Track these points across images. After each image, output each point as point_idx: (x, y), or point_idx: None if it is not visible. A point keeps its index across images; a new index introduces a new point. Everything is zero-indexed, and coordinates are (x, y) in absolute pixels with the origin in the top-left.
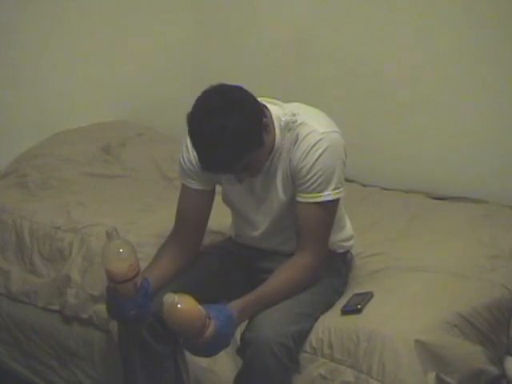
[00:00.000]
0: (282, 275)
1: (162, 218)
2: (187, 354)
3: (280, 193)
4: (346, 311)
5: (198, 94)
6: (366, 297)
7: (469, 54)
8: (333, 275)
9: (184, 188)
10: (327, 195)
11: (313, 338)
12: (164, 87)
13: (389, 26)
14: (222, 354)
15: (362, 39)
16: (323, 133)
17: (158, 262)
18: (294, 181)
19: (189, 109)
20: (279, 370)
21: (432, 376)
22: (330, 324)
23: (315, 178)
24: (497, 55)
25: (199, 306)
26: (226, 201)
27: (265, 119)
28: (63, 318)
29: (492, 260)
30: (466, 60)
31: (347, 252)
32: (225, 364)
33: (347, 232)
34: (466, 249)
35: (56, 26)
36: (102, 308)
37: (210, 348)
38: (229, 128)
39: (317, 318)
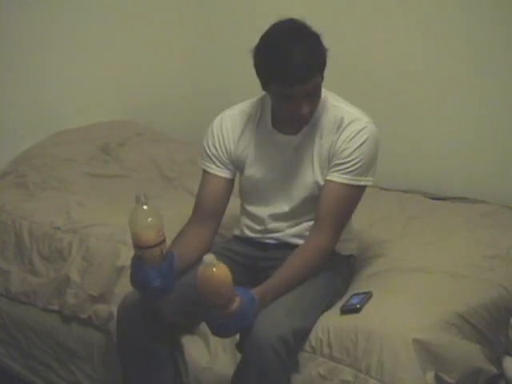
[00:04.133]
0: (297, 259)
1: (163, 218)
2: (186, 355)
3: (316, 172)
4: (344, 311)
5: (197, 93)
6: (365, 296)
7: (469, 54)
8: (336, 276)
9: (205, 174)
10: (362, 180)
11: (312, 337)
12: (163, 87)
13: (389, 24)
14: (222, 353)
15: (362, 39)
16: (367, 122)
17: (179, 242)
18: (331, 162)
19: (188, 108)
20: (277, 365)
21: (431, 375)
22: (329, 323)
23: (356, 161)
24: (498, 55)
25: (231, 278)
26: (246, 184)
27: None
28: (62, 318)
29: (490, 260)
30: (467, 61)
31: (351, 256)
32: (224, 363)
33: (352, 234)
34: (464, 249)
35: (55, 26)
36: (101, 308)
37: (231, 325)
38: (315, 34)
39: (318, 317)
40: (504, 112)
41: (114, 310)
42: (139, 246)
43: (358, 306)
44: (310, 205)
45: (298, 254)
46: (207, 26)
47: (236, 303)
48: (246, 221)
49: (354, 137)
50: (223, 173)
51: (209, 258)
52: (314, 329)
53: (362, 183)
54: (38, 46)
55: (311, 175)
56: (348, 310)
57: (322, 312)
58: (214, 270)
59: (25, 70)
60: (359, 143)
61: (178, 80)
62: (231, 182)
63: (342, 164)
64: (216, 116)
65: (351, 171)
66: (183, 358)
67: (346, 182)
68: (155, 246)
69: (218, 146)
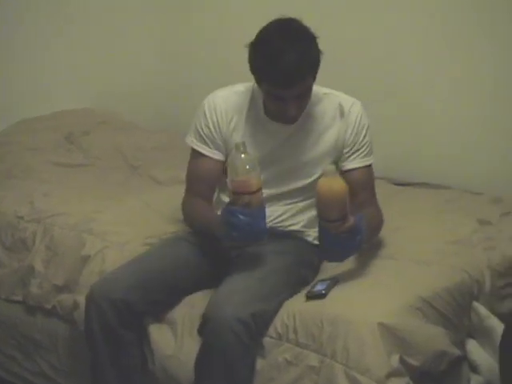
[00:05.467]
0: (369, 218)
1: (128, 207)
2: (152, 342)
3: (312, 162)
4: (310, 296)
5: (162, 81)
6: (331, 283)
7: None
8: (302, 265)
9: (197, 155)
10: (372, 158)
11: (278, 323)
12: (128, 74)
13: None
14: (188, 340)
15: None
16: (358, 102)
17: (202, 209)
18: (345, 149)
19: (153, 96)
20: (238, 348)
21: (395, 358)
22: (295, 309)
23: (368, 141)
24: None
25: None
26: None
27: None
28: (26, 309)
29: (453, 245)
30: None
31: None
32: (190, 350)
33: None
34: (428, 235)
35: (18, 15)
36: (65, 298)
37: (350, 241)
38: (311, 36)
39: (281, 303)
40: (464, 98)
41: (79, 299)
42: (248, 192)
43: (323, 291)
44: (295, 193)
45: (368, 213)
46: (175, 15)
47: (352, 219)
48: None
49: (360, 120)
50: (217, 155)
51: (331, 167)
52: (279, 315)
53: (373, 160)
54: (1, 34)
55: (303, 165)
56: (313, 296)
57: (287, 298)
58: (336, 180)
59: None
60: (366, 125)
61: (142, 67)
62: (224, 163)
63: (360, 149)
64: (185, 103)
65: (368, 152)
66: (149, 346)
67: (368, 163)
68: (260, 189)
69: (211, 127)
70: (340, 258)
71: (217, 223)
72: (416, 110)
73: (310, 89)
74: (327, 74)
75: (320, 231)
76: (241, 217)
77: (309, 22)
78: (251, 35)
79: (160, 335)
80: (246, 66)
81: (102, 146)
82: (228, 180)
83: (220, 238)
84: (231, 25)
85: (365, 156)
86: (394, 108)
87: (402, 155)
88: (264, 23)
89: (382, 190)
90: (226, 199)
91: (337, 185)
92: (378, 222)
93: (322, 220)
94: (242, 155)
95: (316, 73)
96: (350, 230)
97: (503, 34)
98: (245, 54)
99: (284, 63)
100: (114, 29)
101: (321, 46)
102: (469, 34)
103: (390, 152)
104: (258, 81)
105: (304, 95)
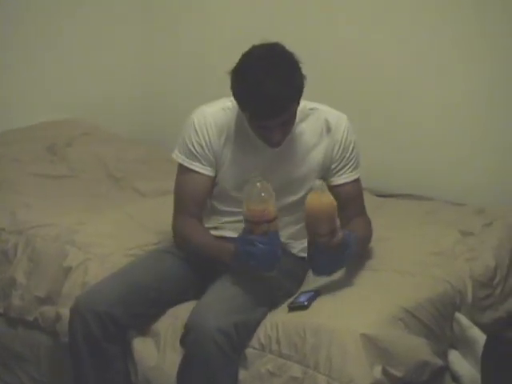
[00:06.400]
0: (359, 230)
1: (110, 218)
2: (136, 354)
3: (300, 177)
4: (292, 308)
5: (145, 93)
6: (313, 294)
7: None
8: (286, 276)
9: (188, 171)
10: (359, 171)
11: (261, 334)
12: (110, 86)
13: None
14: (170, 351)
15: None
16: (344, 116)
17: (201, 232)
18: (332, 164)
19: (136, 107)
20: (220, 359)
21: (378, 369)
22: (278, 320)
23: (355, 156)
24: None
25: None
26: (221, 184)
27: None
28: (8, 321)
29: (435, 256)
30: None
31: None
32: (173, 362)
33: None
34: (410, 246)
35: (2, 24)
36: (48, 309)
37: (338, 255)
38: (294, 63)
39: (264, 314)
40: (451, 112)
41: (62, 311)
42: (267, 220)
43: (305, 303)
44: (283, 208)
45: (357, 228)
46: (156, 26)
47: (340, 233)
48: (223, 219)
49: (347, 136)
50: (209, 171)
51: (320, 182)
52: (262, 325)
53: (360, 172)
54: None
55: (291, 181)
56: (295, 308)
57: (270, 309)
58: (325, 195)
59: None
60: (353, 140)
61: (125, 79)
62: (214, 178)
63: (347, 164)
64: (167, 115)
65: (356, 166)
66: (133, 358)
67: (356, 177)
68: (277, 216)
69: (204, 145)
70: (328, 271)
71: (229, 252)
72: (399, 122)
73: (294, 114)
74: (314, 87)
75: (309, 245)
76: (260, 246)
77: (298, 33)
78: (232, 47)
79: (143, 347)
80: (226, 79)
81: (84, 158)
82: (244, 209)
83: (233, 267)
84: (212, 37)
85: (353, 170)
86: (377, 119)
87: (384, 167)
88: (246, 35)
89: (364, 202)
90: (221, 207)
91: (326, 199)
92: (367, 235)
93: (311, 234)
94: (258, 184)
95: (300, 98)
96: (339, 245)
97: (493, 50)
98: (225, 66)
99: (265, 94)
100: (95, 41)
101: (310, 60)
102: (457, 50)
103: (373, 163)
104: (241, 109)
105: (288, 121)
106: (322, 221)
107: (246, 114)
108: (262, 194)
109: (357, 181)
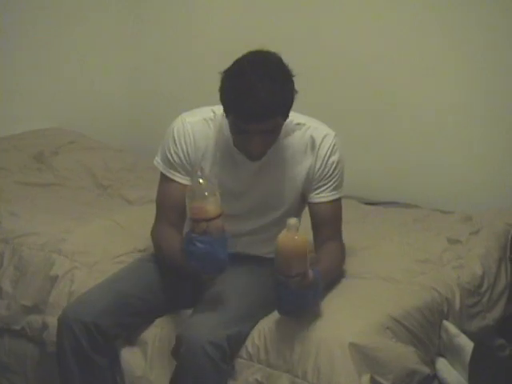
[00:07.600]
0: (327, 261)
1: (97, 226)
2: (123, 364)
3: (282, 195)
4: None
5: (132, 101)
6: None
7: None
8: None
9: (168, 180)
10: (341, 191)
11: (249, 343)
12: (97, 94)
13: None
14: (158, 361)
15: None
16: (333, 134)
17: (171, 238)
18: (312, 183)
19: (122, 116)
20: (212, 371)
21: (366, 378)
22: (266, 330)
23: (338, 175)
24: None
25: None
26: None
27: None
28: None
29: (423, 264)
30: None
31: None
32: (161, 372)
33: None
34: (397, 254)
35: None
36: (34, 319)
37: (307, 295)
38: (288, 76)
39: (255, 324)
40: (439, 119)
41: (48, 320)
42: (205, 219)
43: None
44: (268, 224)
45: (326, 257)
46: (143, 35)
47: (311, 273)
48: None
49: (330, 154)
50: (187, 181)
51: (294, 220)
52: (251, 335)
53: (341, 194)
54: None
55: (273, 198)
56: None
57: (262, 319)
58: (298, 234)
59: None
60: (337, 159)
61: (112, 87)
62: None
63: (327, 183)
64: (154, 123)
65: (336, 186)
66: (120, 367)
67: (336, 197)
68: (219, 216)
69: (181, 155)
70: (297, 312)
71: (182, 253)
72: (385, 129)
73: (278, 127)
74: (302, 95)
75: (276, 286)
76: (198, 244)
77: (295, 38)
78: (217, 59)
79: (130, 356)
80: (212, 89)
81: (71, 166)
82: (187, 206)
83: (183, 268)
84: (196, 49)
85: (333, 190)
86: (364, 127)
87: (371, 174)
88: (237, 45)
89: (351, 209)
90: None
91: (299, 241)
92: (335, 265)
93: (281, 275)
94: (200, 180)
95: (287, 112)
96: (310, 285)
97: (486, 57)
98: (209, 78)
99: (254, 97)
100: (81, 50)
101: (303, 69)
102: (449, 58)
103: (361, 171)
104: (225, 111)
105: (271, 132)
106: (293, 263)
107: (230, 117)
108: (205, 193)
109: (336, 201)
